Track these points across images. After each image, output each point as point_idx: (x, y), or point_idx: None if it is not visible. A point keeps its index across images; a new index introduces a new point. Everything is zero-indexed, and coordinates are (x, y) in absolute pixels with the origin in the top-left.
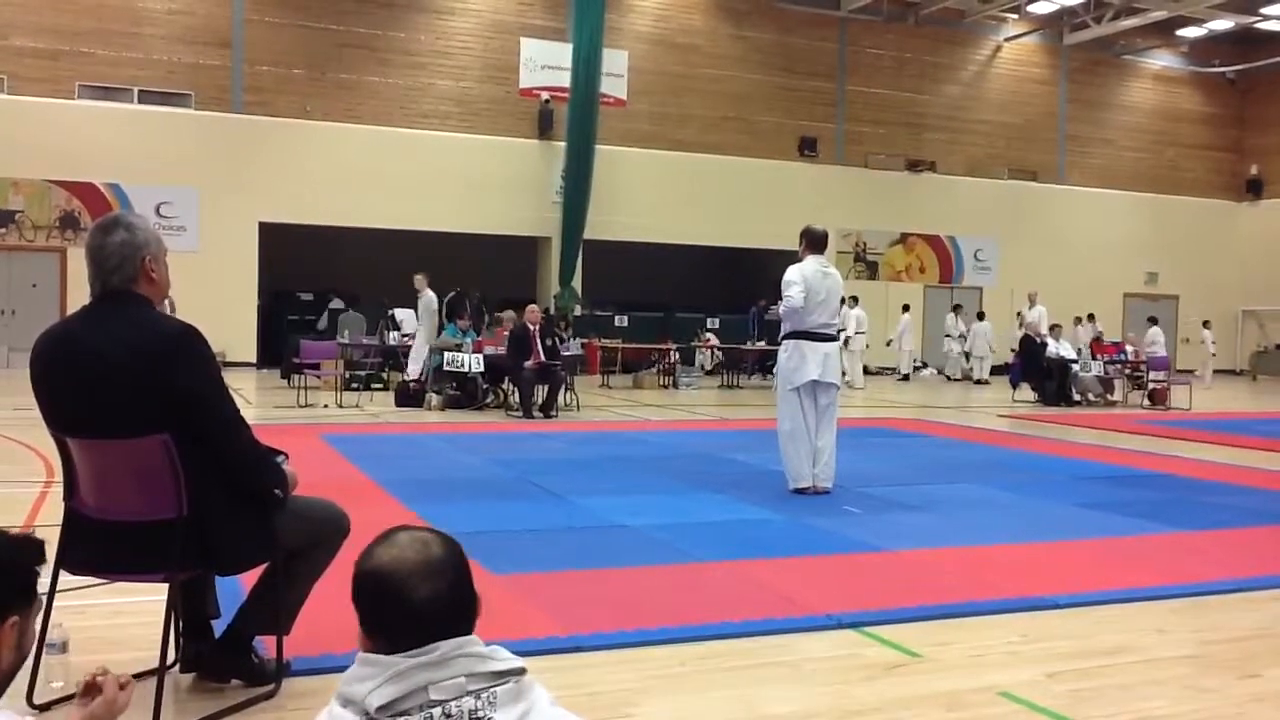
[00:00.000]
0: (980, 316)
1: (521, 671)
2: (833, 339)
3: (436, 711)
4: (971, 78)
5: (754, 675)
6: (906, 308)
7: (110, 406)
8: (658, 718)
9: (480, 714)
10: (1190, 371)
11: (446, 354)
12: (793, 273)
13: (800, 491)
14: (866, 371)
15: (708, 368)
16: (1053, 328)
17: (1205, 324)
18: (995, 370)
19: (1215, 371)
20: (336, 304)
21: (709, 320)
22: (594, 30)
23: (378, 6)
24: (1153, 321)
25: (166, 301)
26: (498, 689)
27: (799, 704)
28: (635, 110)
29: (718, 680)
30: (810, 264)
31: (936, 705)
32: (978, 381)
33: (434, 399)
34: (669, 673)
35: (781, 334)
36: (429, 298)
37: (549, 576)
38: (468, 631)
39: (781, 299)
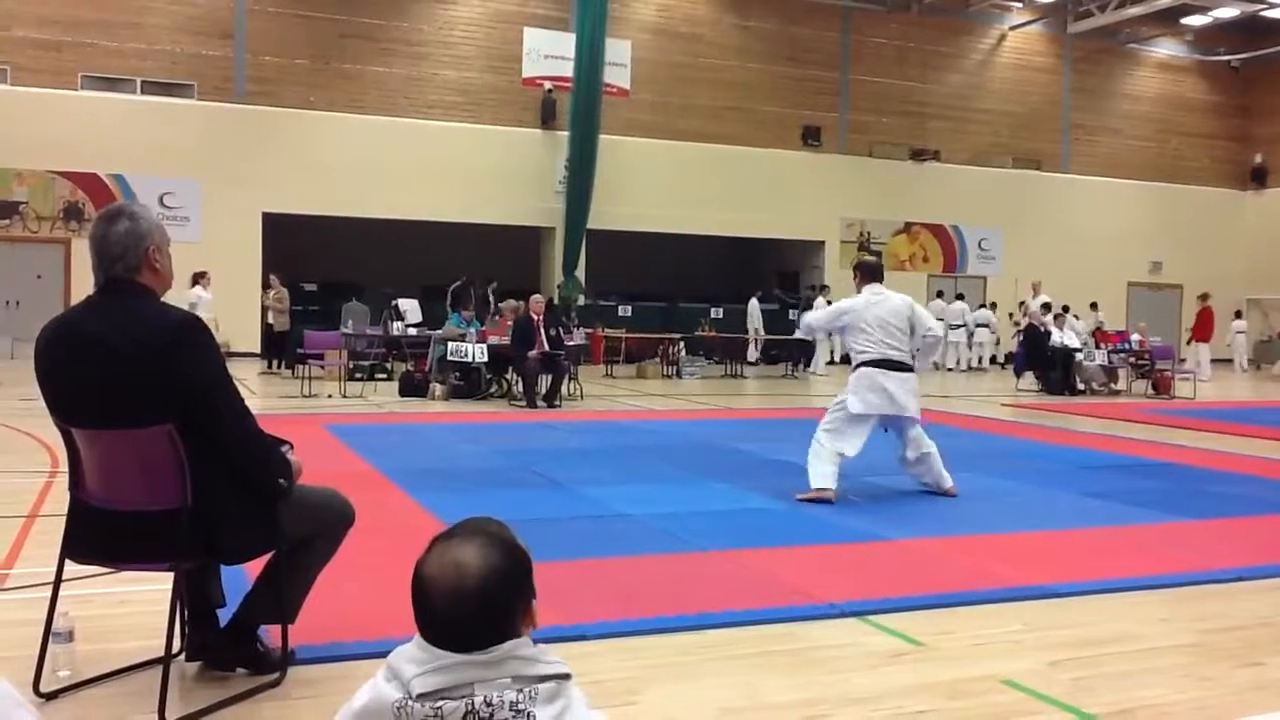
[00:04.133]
0: (993, 306)
1: (566, 677)
2: (902, 367)
3: (479, 700)
4: (975, 66)
5: (756, 664)
6: (940, 293)
7: (114, 396)
8: (661, 706)
9: (521, 706)
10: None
11: (450, 344)
12: (842, 304)
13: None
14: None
15: (752, 359)
16: (1056, 317)
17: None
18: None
19: (1217, 360)
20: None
21: (712, 310)
22: (597, 20)
23: None
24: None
25: (277, 294)
26: (540, 685)
27: (802, 692)
28: (638, 100)
29: (720, 669)
30: (864, 295)
31: (939, 693)
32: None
33: (438, 389)
34: (672, 661)
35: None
36: None
37: (552, 566)
38: (509, 637)
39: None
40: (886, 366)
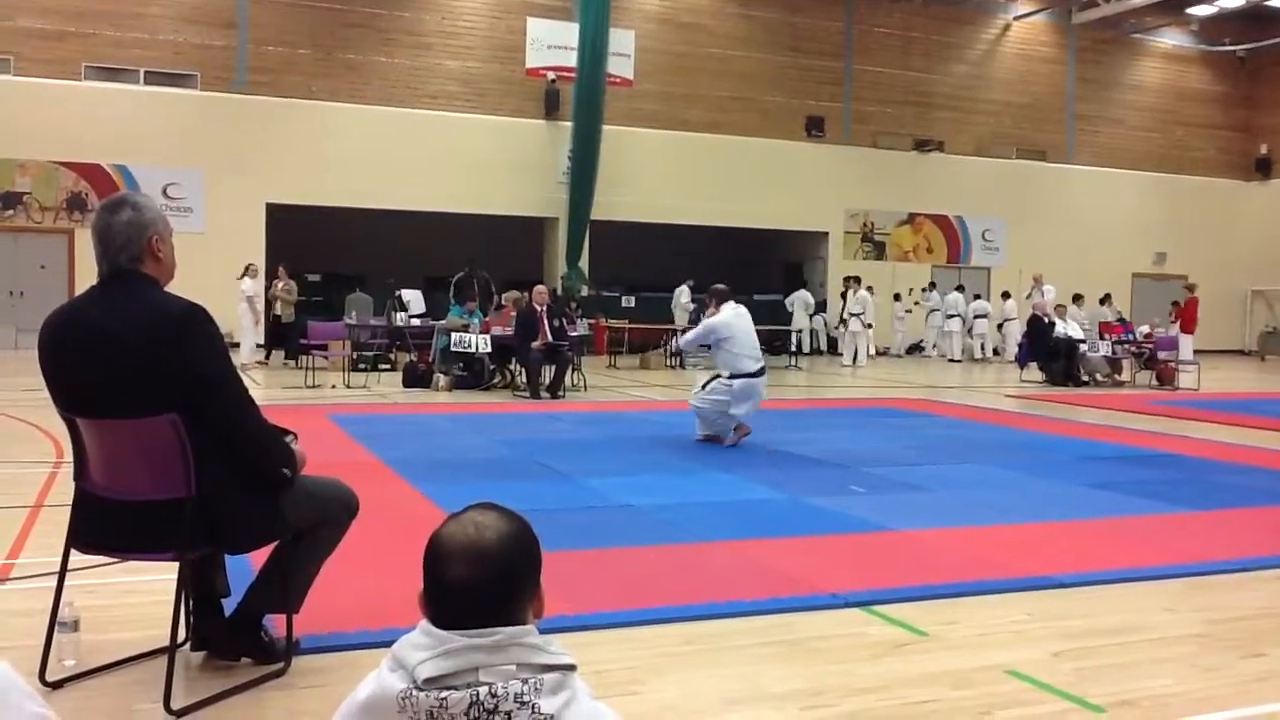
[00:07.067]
0: (1005, 297)
1: (571, 668)
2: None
3: (484, 690)
4: (979, 57)
5: (759, 654)
6: (964, 288)
7: (118, 386)
8: (664, 696)
9: (526, 698)
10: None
11: (454, 335)
12: (712, 321)
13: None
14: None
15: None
16: (1058, 308)
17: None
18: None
19: (1222, 351)
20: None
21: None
22: (600, 10)
23: None
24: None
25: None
26: (544, 676)
27: (804, 682)
28: (642, 90)
29: (723, 659)
30: (727, 312)
31: (943, 683)
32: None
33: (441, 380)
34: (675, 651)
35: (730, 372)
36: None
37: (556, 556)
38: (516, 620)
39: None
40: (759, 374)
